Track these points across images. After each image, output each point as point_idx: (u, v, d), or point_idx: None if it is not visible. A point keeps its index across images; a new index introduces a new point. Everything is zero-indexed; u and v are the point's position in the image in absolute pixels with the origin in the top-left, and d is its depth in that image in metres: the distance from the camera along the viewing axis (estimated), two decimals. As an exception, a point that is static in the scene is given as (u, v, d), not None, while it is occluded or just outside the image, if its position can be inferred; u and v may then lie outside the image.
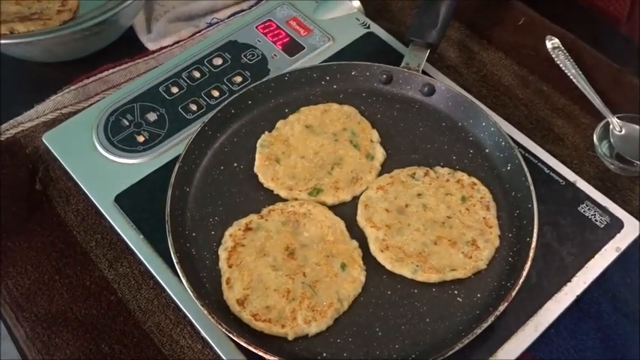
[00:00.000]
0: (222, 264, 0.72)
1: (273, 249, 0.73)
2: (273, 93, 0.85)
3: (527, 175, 0.75)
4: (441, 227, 0.74)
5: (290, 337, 0.67)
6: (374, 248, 0.73)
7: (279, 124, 0.83)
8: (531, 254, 0.69)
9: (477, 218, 0.74)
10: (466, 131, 0.82)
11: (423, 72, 0.86)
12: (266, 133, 0.82)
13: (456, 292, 0.70)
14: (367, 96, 0.86)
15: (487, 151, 0.81)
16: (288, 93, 0.86)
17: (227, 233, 0.74)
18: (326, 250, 0.73)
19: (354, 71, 0.86)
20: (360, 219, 0.76)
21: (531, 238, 0.70)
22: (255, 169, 0.79)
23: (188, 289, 0.68)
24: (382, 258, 0.72)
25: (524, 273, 0.68)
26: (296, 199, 0.77)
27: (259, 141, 0.81)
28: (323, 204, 0.77)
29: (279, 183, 0.78)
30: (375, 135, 0.82)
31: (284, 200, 0.77)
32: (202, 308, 0.67)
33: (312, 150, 0.81)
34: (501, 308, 0.66)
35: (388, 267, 0.72)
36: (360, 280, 0.71)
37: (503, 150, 0.79)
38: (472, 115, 0.82)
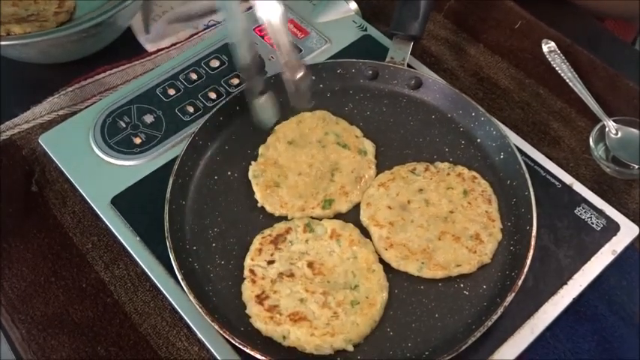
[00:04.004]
0: (264, 322, 0.68)
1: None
2: None
3: (521, 162, 0.76)
4: (444, 222, 0.74)
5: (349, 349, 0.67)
6: (379, 247, 0.73)
7: (262, 149, 0.80)
8: (533, 242, 0.70)
9: (479, 212, 0.74)
10: (456, 122, 0.83)
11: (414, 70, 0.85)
12: (253, 163, 0.79)
13: (462, 285, 0.71)
14: (354, 93, 0.86)
15: (479, 140, 0.81)
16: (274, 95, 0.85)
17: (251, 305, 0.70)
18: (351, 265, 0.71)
19: (339, 69, 0.86)
20: (364, 218, 0.75)
21: (531, 226, 0.71)
22: (260, 201, 0.76)
23: (196, 305, 0.67)
24: (387, 257, 0.72)
25: (528, 262, 0.68)
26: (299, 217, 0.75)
27: (251, 172, 0.79)
28: (339, 213, 0.76)
29: (290, 207, 0.76)
30: (356, 130, 0.82)
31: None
32: (219, 330, 0.66)
33: (305, 164, 0.79)
34: (509, 299, 0.66)
35: (394, 265, 0.72)
36: (385, 285, 0.70)
37: (495, 139, 0.79)
38: (461, 106, 0.82)
